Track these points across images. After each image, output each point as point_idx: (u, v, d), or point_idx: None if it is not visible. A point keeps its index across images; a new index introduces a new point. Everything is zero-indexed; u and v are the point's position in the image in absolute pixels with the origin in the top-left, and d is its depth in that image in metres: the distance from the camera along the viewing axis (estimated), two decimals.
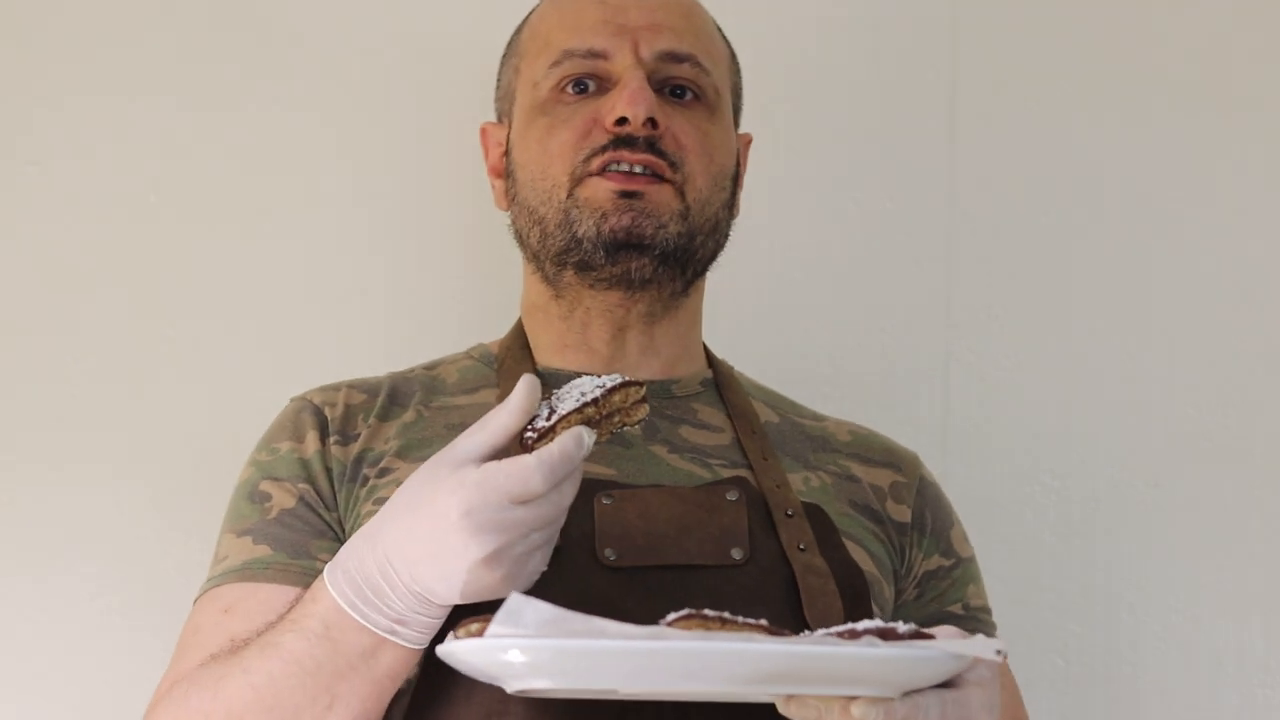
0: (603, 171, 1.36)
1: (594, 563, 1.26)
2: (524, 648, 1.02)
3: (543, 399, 1.17)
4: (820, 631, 1.05)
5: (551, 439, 1.14)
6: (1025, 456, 1.79)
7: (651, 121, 1.36)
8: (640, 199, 1.36)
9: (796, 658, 1.01)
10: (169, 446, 1.73)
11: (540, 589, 1.15)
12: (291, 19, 1.80)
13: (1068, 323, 1.81)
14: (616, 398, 1.16)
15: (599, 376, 1.18)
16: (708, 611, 1.03)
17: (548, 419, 1.14)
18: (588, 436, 1.13)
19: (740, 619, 1.03)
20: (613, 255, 1.36)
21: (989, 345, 1.81)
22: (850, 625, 1.04)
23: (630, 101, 1.35)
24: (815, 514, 1.35)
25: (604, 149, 1.37)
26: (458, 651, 1.07)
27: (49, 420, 1.73)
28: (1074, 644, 1.76)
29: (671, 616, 1.03)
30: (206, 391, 1.75)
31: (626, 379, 1.17)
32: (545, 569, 1.16)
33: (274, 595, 1.27)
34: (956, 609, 1.40)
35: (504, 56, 1.50)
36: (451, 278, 1.79)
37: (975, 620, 1.41)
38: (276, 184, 1.78)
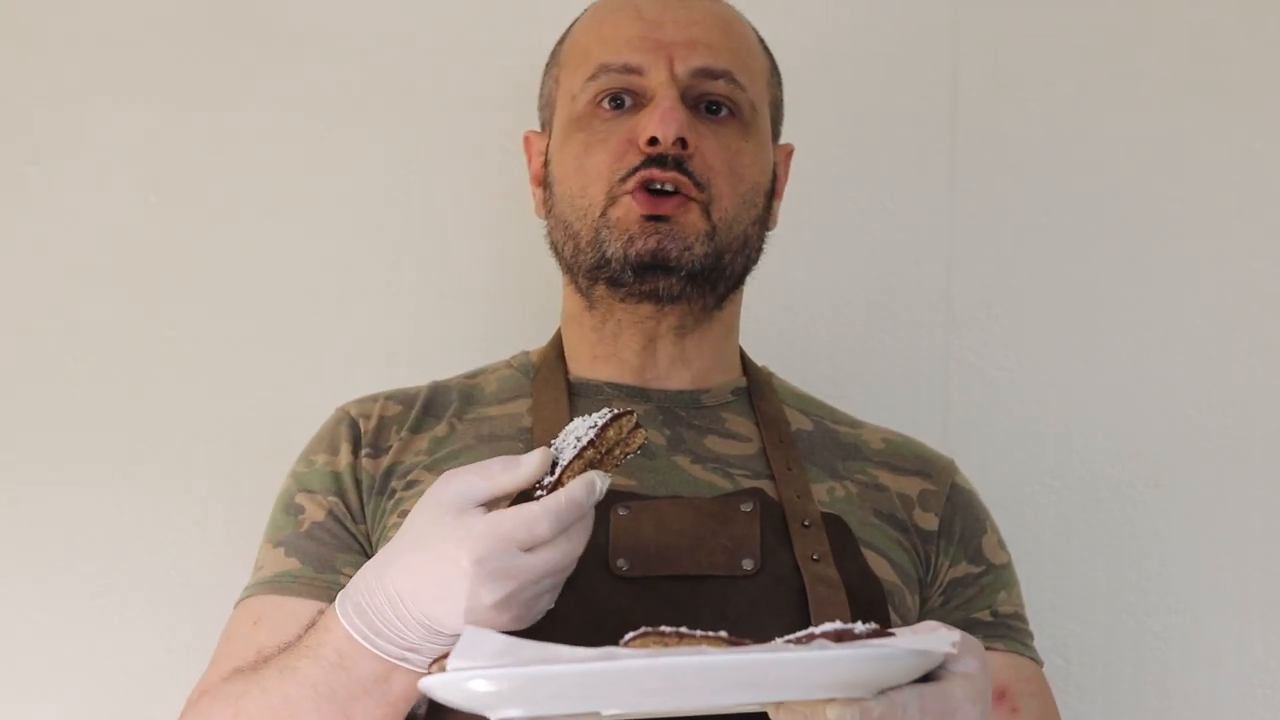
0: (635, 190, 1.38)
1: (606, 573, 1.27)
2: (488, 677, 1.03)
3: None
4: (779, 639, 1.04)
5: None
6: (1025, 456, 1.79)
7: (681, 141, 1.38)
8: (667, 223, 1.38)
9: (743, 667, 1.00)
10: (169, 446, 1.73)
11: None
12: (291, 19, 1.80)
13: (1068, 322, 1.81)
14: (611, 433, 1.16)
15: (588, 416, 1.18)
16: (664, 628, 1.03)
17: (553, 472, 1.15)
18: (600, 481, 1.14)
19: (699, 633, 1.02)
20: (641, 275, 1.39)
21: (989, 345, 1.81)
22: (809, 630, 1.03)
23: (661, 121, 1.38)
24: (834, 524, 1.35)
25: (636, 169, 1.39)
26: (430, 687, 1.08)
27: (49, 420, 1.73)
28: (1074, 644, 1.76)
29: (629, 636, 1.03)
30: (206, 391, 1.75)
31: (615, 411, 1.17)
32: (551, 607, 1.17)
33: (300, 609, 1.31)
34: (984, 616, 1.40)
35: (546, 65, 1.52)
36: (451, 278, 1.78)
37: (1004, 627, 1.40)
38: (276, 184, 1.78)
